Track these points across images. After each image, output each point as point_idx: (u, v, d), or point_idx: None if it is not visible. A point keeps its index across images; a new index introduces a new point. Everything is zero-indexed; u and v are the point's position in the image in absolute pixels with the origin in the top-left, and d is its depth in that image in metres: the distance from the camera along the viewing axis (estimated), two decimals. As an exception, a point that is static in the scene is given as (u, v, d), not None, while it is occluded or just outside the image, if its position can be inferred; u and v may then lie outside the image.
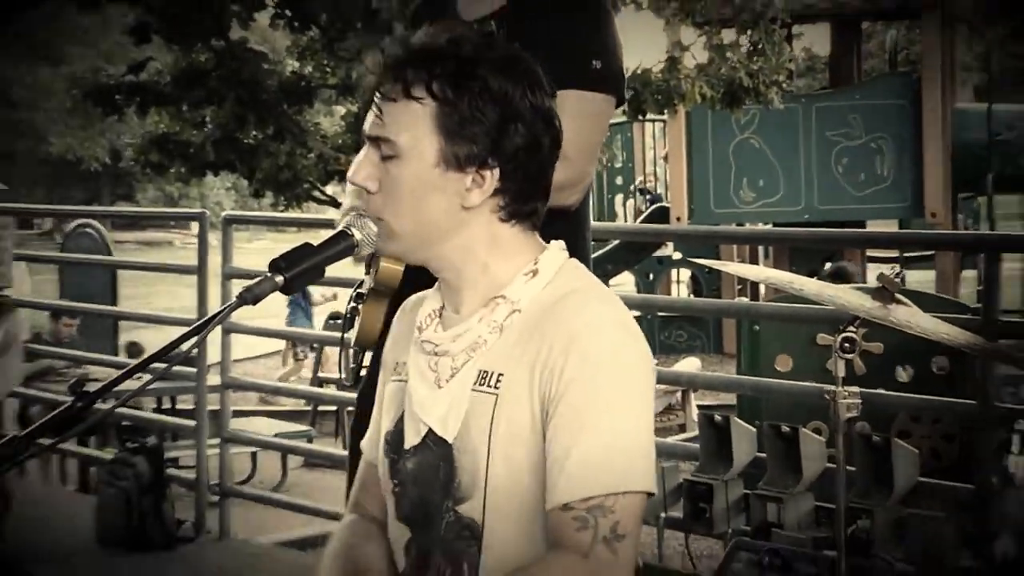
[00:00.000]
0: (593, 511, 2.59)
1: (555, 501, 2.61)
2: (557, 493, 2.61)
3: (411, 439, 2.81)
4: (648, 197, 25.51)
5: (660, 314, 22.25)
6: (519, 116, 2.72)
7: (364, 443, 3.04)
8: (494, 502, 2.69)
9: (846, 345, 4.11)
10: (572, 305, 2.71)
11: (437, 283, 2.88)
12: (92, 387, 2.56)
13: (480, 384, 2.73)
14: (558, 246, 2.84)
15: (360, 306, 3.97)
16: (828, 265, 18.26)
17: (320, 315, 20.63)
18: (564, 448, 2.61)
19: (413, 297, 3.02)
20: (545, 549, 2.66)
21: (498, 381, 2.71)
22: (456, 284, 2.81)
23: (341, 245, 2.81)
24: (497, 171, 2.72)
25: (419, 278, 3.02)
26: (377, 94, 2.75)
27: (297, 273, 2.74)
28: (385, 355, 3.04)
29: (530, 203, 2.78)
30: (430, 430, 2.77)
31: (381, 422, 2.95)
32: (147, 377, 2.89)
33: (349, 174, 2.80)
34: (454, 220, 2.74)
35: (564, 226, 3.32)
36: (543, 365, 2.66)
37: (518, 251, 2.79)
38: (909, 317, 4.13)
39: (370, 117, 2.77)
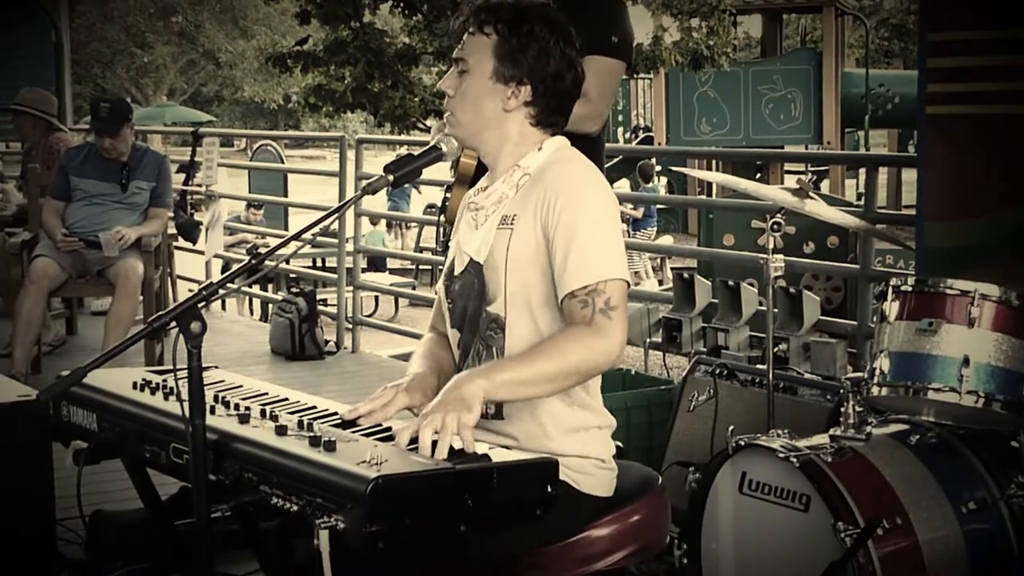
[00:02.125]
0: (590, 294, 2.62)
1: (563, 292, 2.65)
2: (564, 286, 2.64)
3: (459, 267, 2.86)
4: (640, 133, 25.43)
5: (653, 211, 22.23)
6: (551, 55, 2.77)
7: (439, 284, 3.02)
8: (512, 301, 2.72)
9: (775, 226, 4.06)
10: (562, 166, 2.77)
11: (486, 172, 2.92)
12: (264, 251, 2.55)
13: (503, 224, 2.76)
14: (560, 137, 2.87)
15: (448, 195, 4.01)
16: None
17: (416, 203, 20.56)
18: (563, 256, 2.65)
19: (471, 191, 3.00)
20: (546, 325, 2.71)
21: (513, 221, 2.74)
22: (493, 164, 2.86)
23: (432, 155, 2.80)
24: (529, 88, 2.77)
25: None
26: (463, 29, 2.83)
27: (402, 174, 2.73)
28: (453, 237, 3.02)
29: (552, 117, 2.84)
30: (470, 259, 2.80)
31: (444, 267, 2.96)
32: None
33: (439, 83, 2.86)
34: (498, 118, 2.79)
35: (587, 146, 3.30)
36: (542, 203, 2.70)
37: (535, 142, 2.83)
38: (817, 208, 4.05)
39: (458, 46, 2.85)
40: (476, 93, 2.77)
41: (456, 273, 2.86)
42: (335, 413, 2.64)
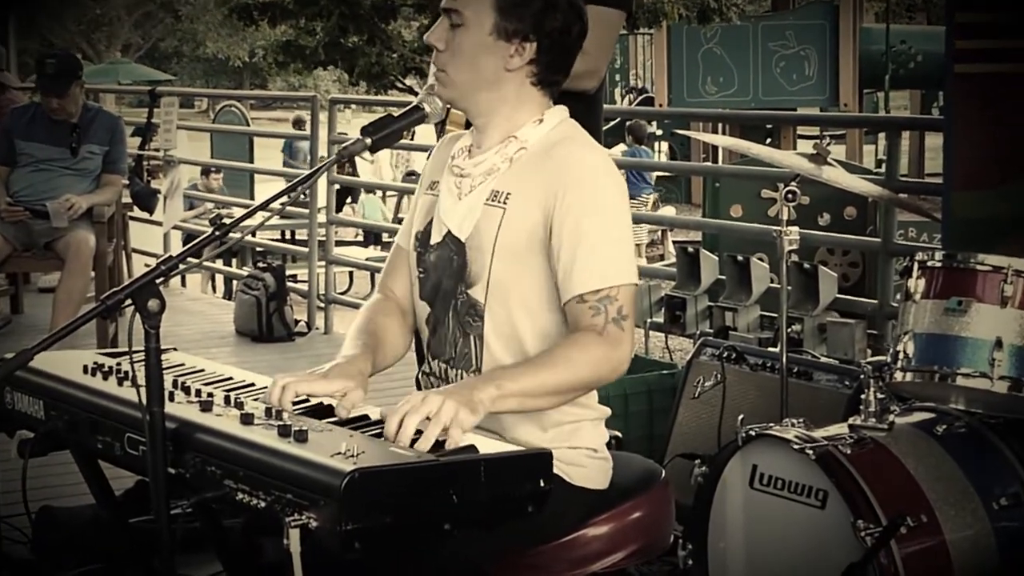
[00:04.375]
0: (603, 300, 2.61)
1: (571, 294, 2.63)
2: (572, 287, 2.63)
3: (435, 237, 2.82)
4: (638, 94, 25.40)
5: (646, 174, 22.20)
6: (557, 6, 2.72)
7: (399, 235, 3.00)
8: (495, 288, 2.71)
9: (789, 196, 4.06)
10: (570, 150, 2.72)
11: (472, 127, 2.87)
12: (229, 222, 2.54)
13: (492, 200, 2.73)
14: (561, 108, 2.84)
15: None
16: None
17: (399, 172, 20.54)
18: (571, 254, 2.63)
19: (450, 134, 3.02)
20: (529, 323, 2.70)
21: (506, 199, 2.71)
22: (484, 126, 2.81)
23: (415, 116, 2.77)
24: (535, 45, 2.72)
25: None
26: None
27: (381, 136, 2.69)
28: (423, 173, 3.02)
29: (555, 75, 2.79)
30: (449, 231, 2.78)
31: (413, 223, 2.92)
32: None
33: (426, 36, 2.78)
34: (496, 77, 2.74)
35: (584, 106, 3.26)
36: (548, 190, 2.66)
37: (534, 107, 2.79)
38: (835, 176, 4.05)
39: None
40: (473, 50, 2.71)
41: (432, 243, 2.83)
42: (306, 400, 2.63)
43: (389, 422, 2.38)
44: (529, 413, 2.69)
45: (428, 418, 2.37)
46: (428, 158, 3.10)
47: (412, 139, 12.82)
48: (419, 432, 2.35)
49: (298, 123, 19.08)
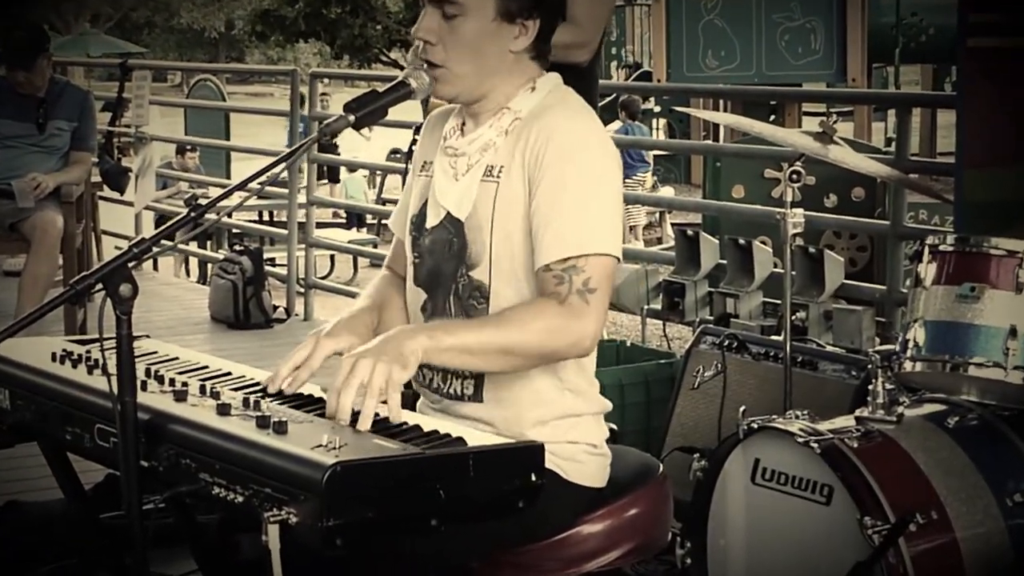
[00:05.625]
0: (568, 269, 2.59)
1: (539, 263, 2.62)
2: (540, 256, 2.62)
3: (432, 220, 2.81)
4: (633, 69, 25.38)
5: (643, 153, 22.22)
6: None
7: (391, 221, 3.03)
8: (498, 267, 2.70)
9: (794, 176, 4.06)
10: (556, 112, 2.71)
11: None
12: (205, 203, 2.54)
13: (487, 176, 2.72)
14: (555, 75, 2.82)
15: (417, 138, 3.92)
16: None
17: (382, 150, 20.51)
18: (544, 220, 2.62)
19: (437, 110, 3.00)
20: None
21: (500, 173, 2.70)
22: (480, 108, 2.78)
23: (400, 92, 2.74)
24: (538, 21, 2.71)
25: None
26: None
27: (365, 113, 2.68)
28: (415, 155, 3.01)
29: (547, 43, 2.78)
30: (447, 212, 2.77)
31: (408, 207, 2.93)
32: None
33: (413, 30, 2.73)
34: (500, 62, 2.72)
35: (577, 81, 3.23)
36: (530, 154, 2.66)
37: (526, 76, 2.77)
38: (843, 155, 4.06)
39: None
40: (476, 38, 2.68)
41: (428, 226, 2.82)
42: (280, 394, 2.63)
43: (329, 400, 2.41)
44: (531, 404, 2.70)
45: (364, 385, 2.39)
46: (415, 135, 3.10)
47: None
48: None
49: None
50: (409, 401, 2.73)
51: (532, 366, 2.65)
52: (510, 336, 2.56)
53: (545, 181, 2.63)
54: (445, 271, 2.78)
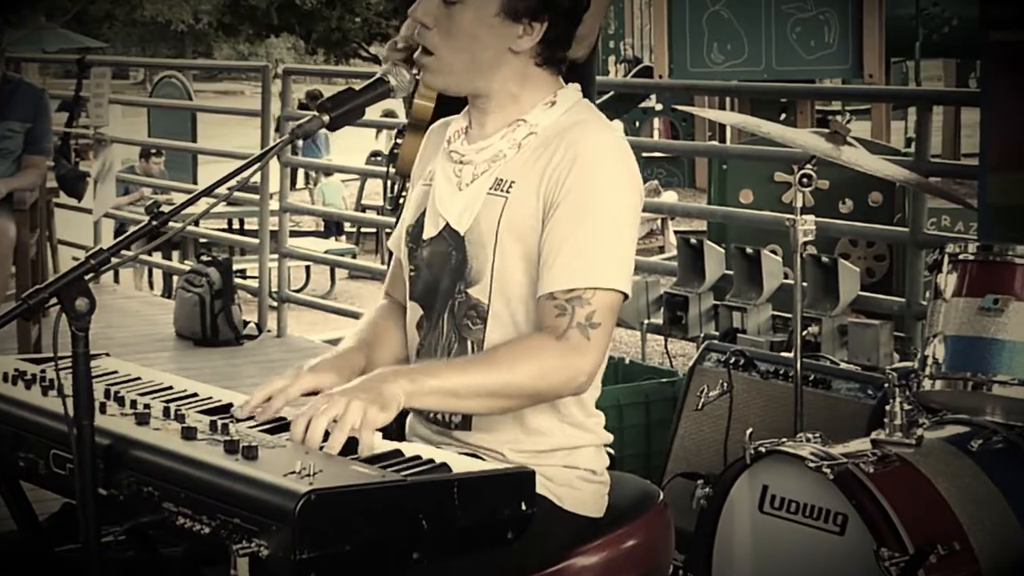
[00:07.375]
0: (573, 300, 2.61)
1: (543, 290, 2.64)
2: (545, 283, 2.63)
3: (430, 231, 2.82)
4: (632, 65, 25.40)
5: (643, 155, 22.22)
6: None
7: (391, 240, 3.03)
8: (498, 287, 2.71)
9: (804, 180, 4.07)
10: (580, 131, 2.72)
11: (465, 108, 2.87)
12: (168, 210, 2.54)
13: (495, 189, 2.73)
14: (574, 87, 2.85)
15: (400, 141, 3.99)
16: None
17: (362, 152, 20.53)
18: (555, 247, 2.63)
19: (439, 122, 3.01)
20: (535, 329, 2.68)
21: (510, 187, 2.71)
22: (486, 108, 2.80)
23: (378, 89, 2.75)
24: (545, 24, 2.71)
25: (448, 112, 3.00)
26: None
27: (341, 113, 2.69)
28: (414, 169, 3.02)
29: (561, 52, 2.79)
30: (447, 224, 2.77)
31: (404, 218, 2.94)
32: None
33: (410, 10, 2.78)
34: (497, 60, 2.73)
35: (573, 77, 3.24)
36: (549, 175, 2.67)
37: (543, 87, 2.79)
38: (857, 157, 4.07)
39: None
40: (474, 30, 2.70)
41: (426, 237, 2.83)
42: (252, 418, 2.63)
43: (295, 425, 2.41)
44: (528, 432, 2.71)
45: (335, 421, 2.39)
46: (397, 138, 3.10)
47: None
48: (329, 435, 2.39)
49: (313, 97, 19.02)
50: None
51: (523, 407, 2.67)
52: (498, 378, 2.57)
53: (564, 206, 2.64)
54: (442, 286, 2.79)
